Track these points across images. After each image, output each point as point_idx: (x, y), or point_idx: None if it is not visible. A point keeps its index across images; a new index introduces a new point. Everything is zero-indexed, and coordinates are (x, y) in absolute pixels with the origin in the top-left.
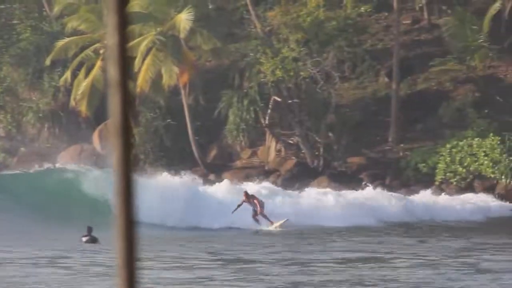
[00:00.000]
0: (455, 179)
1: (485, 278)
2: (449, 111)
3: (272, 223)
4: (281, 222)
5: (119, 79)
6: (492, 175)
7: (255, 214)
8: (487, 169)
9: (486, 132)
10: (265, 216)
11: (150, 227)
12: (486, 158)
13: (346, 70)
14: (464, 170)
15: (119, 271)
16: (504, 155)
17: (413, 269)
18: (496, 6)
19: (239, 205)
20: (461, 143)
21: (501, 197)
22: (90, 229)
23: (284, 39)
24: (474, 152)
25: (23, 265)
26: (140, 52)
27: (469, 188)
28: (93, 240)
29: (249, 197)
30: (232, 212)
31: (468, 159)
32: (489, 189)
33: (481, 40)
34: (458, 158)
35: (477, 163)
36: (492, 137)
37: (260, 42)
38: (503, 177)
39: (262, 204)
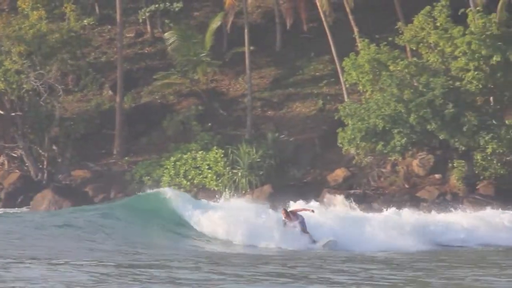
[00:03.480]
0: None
1: None
2: (173, 124)
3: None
4: (327, 241)
5: None
6: (216, 188)
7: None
8: (211, 181)
9: (210, 145)
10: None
11: None
12: (210, 171)
13: (70, 83)
14: (188, 183)
15: None
16: (227, 168)
17: None
18: (217, 21)
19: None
20: (185, 156)
21: None
22: None
23: (6, 52)
24: (198, 165)
25: None
26: None
27: None
28: None
29: (288, 214)
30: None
31: (192, 172)
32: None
33: (204, 54)
34: (182, 171)
35: (201, 176)
36: (216, 150)
37: None
38: (226, 189)
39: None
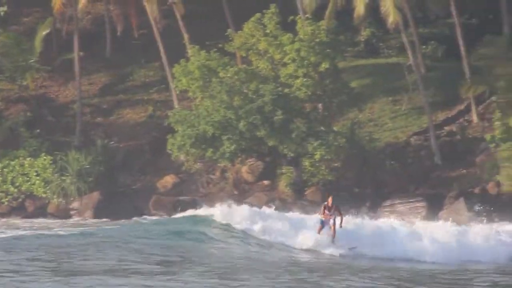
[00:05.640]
0: (7, 199)
1: None
2: (1, 130)
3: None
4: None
5: None
6: (44, 195)
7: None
8: (39, 188)
9: (38, 152)
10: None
11: None
12: (38, 177)
13: None
14: (16, 190)
15: None
16: (56, 174)
17: None
18: (47, 26)
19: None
20: (13, 162)
21: (53, 216)
22: None
23: None
24: (26, 172)
25: None
26: None
27: (21, 208)
28: None
29: (335, 209)
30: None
31: (20, 178)
32: (41, 208)
33: (33, 60)
34: (10, 177)
35: (29, 183)
36: (44, 157)
37: None
38: (54, 196)
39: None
